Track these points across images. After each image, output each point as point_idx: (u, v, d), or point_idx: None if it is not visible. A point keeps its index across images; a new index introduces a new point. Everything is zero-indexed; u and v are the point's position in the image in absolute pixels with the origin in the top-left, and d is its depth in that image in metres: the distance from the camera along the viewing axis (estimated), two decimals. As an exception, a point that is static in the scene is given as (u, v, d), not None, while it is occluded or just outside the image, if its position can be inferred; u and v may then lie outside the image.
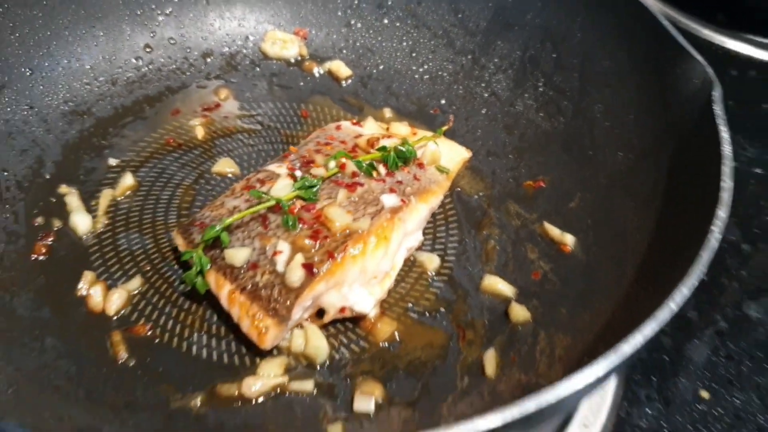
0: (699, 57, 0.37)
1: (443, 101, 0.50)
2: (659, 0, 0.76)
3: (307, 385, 0.37)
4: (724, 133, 0.33)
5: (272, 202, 0.37)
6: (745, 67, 0.70)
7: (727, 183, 0.30)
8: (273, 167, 0.40)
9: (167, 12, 0.51)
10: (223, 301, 0.36)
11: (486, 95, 0.49)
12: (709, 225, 0.29)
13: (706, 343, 0.48)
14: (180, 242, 0.38)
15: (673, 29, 0.40)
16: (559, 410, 0.27)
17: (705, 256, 0.28)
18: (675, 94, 0.38)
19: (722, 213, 0.29)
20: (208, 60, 0.51)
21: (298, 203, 0.38)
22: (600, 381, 0.25)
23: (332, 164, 0.40)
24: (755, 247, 0.55)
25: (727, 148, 0.32)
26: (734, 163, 0.60)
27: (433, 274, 0.41)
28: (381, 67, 0.53)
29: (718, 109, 0.34)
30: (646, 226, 0.38)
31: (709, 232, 0.29)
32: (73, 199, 0.42)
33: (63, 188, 0.42)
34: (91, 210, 0.42)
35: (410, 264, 0.41)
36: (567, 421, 0.43)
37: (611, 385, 0.45)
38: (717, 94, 0.35)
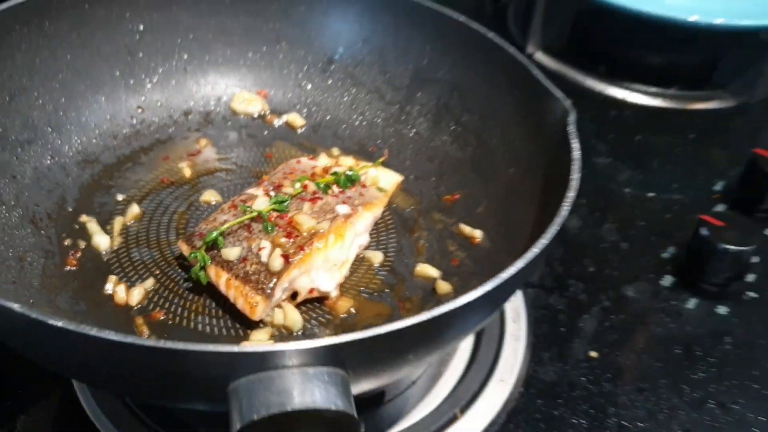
0: (559, 94, 0.51)
1: (379, 141, 0.63)
2: (552, 58, 0.92)
3: (288, 347, 0.48)
4: (575, 144, 0.46)
5: (254, 214, 0.49)
6: (621, 108, 0.86)
7: (575, 175, 0.44)
8: (251, 191, 0.52)
9: (154, 81, 0.63)
10: (222, 287, 0.46)
11: (411, 135, 0.63)
12: (562, 203, 0.42)
13: (594, 317, 0.61)
14: (185, 248, 0.48)
15: (543, 77, 0.54)
16: (457, 324, 0.37)
17: (558, 221, 0.41)
18: (546, 122, 0.51)
19: (571, 194, 0.42)
20: (189, 117, 0.63)
21: (274, 214, 0.50)
22: (484, 299, 0.36)
23: (297, 185, 0.52)
24: (632, 245, 0.69)
25: (576, 154, 0.46)
26: (628, 189, 0.74)
27: (378, 266, 0.53)
28: (328, 117, 0.66)
29: (571, 129, 0.48)
30: (530, 218, 0.51)
31: (561, 207, 0.42)
32: (92, 225, 0.52)
33: (83, 217, 0.53)
34: (107, 232, 0.52)
35: (360, 259, 0.53)
36: (488, 376, 0.55)
37: (521, 351, 0.57)
38: (571, 118, 0.49)
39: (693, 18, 0.86)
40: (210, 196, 0.56)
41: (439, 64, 0.62)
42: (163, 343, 0.31)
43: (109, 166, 0.57)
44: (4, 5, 0.53)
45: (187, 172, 0.58)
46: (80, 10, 0.58)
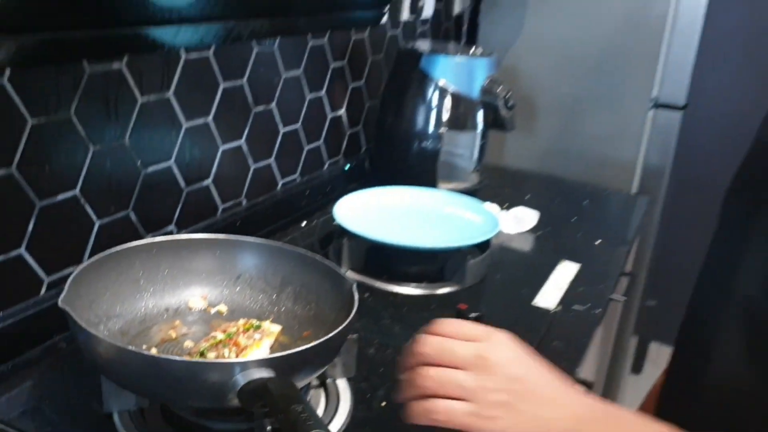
0: (348, 278, 1.13)
1: (266, 313, 1.22)
2: (357, 273, 1.58)
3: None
4: (356, 297, 1.09)
5: (218, 340, 1.05)
6: (396, 296, 1.48)
7: (354, 311, 1.05)
8: (213, 334, 1.09)
9: (148, 295, 1.17)
10: (208, 371, 1.01)
11: (283, 309, 1.20)
12: (346, 322, 1.03)
13: (383, 390, 1.21)
14: (187, 358, 1.03)
15: (342, 271, 1.17)
16: (303, 364, 0.95)
17: (341, 328, 1.02)
18: (344, 291, 1.14)
19: (350, 318, 1.03)
20: (168, 311, 1.17)
21: (227, 339, 1.06)
22: (309, 353, 0.94)
23: (235, 329, 1.09)
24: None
25: (355, 303, 1.08)
26: (403, 334, 1.37)
27: (275, 363, 1.10)
28: (239, 305, 1.23)
29: (354, 291, 1.11)
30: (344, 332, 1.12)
31: (345, 323, 1.02)
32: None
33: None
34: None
35: (266, 361, 1.10)
36: (335, 414, 1.11)
37: (348, 406, 1.14)
38: (354, 287, 1.11)
39: (427, 246, 1.57)
40: (188, 344, 1.12)
41: (293, 272, 1.21)
42: (203, 360, 0.88)
43: (134, 335, 1.11)
44: (86, 264, 1.10)
45: (173, 335, 1.13)
46: (114, 263, 1.15)
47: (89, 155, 1.24)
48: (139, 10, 1.12)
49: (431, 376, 0.68)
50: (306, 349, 0.92)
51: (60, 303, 0.93)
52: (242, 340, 1.04)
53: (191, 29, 1.29)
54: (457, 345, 0.68)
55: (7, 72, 1.05)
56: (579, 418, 0.66)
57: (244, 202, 1.61)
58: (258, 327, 1.10)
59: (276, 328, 1.06)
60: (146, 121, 1.20)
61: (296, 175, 1.78)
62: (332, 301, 1.07)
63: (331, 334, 0.96)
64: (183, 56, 1.40)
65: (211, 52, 1.46)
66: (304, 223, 1.82)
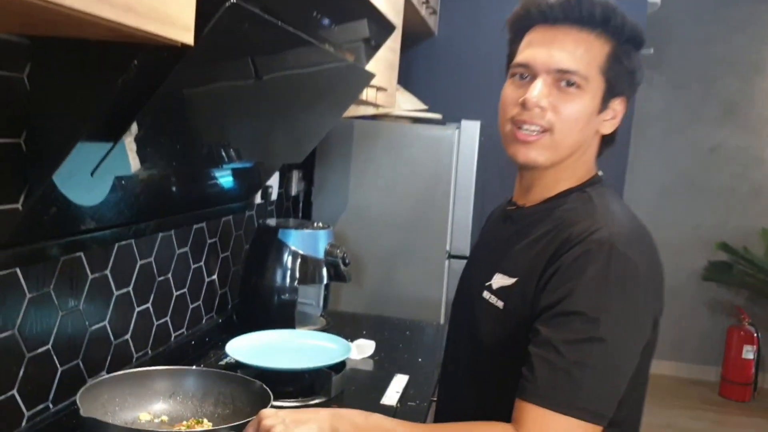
0: (257, 381, 1.69)
1: (196, 417, 1.73)
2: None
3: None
4: (267, 389, 1.65)
5: (184, 430, 1.54)
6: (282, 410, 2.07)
7: (272, 401, 1.62)
8: (177, 428, 1.57)
9: (111, 414, 1.66)
10: (179, 450, 1.49)
11: (209, 412, 1.75)
12: (269, 405, 1.59)
13: None
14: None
15: (261, 383, 1.72)
16: None
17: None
18: (255, 391, 1.70)
19: (271, 402, 1.60)
20: (125, 423, 1.66)
21: (189, 429, 1.55)
22: None
23: (190, 422, 1.59)
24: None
25: (270, 393, 1.64)
26: None
27: (217, 446, 1.60)
28: (175, 415, 1.73)
29: (269, 391, 1.67)
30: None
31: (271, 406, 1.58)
32: (121, 452, 1.52)
33: None
34: (127, 453, 1.52)
35: (210, 448, 1.59)
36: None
37: None
38: (266, 390, 1.67)
39: (301, 367, 2.15)
40: (156, 443, 1.60)
41: (212, 386, 1.77)
42: (211, 428, 1.39)
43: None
44: (81, 390, 1.57)
45: (142, 438, 1.61)
46: (89, 391, 1.63)
47: (58, 318, 1.73)
48: (95, 222, 1.70)
49: None
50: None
51: (83, 414, 1.41)
52: (198, 428, 1.56)
53: (125, 229, 1.87)
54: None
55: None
56: (334, 413, 1.21)
57: (150, 352, 2.12)
58: (202, 422, 1.63)
59: (210, 424, 1.60)
60: (93, 292, 1.72)
61: (184, 329, 2.30)
62: (246, 399, 1.54)
63: (265, 410, 1.51)
64: (116, 245, 1.94)
65: (133, 240, 2.02)
66: (194, 367, 2.31)
